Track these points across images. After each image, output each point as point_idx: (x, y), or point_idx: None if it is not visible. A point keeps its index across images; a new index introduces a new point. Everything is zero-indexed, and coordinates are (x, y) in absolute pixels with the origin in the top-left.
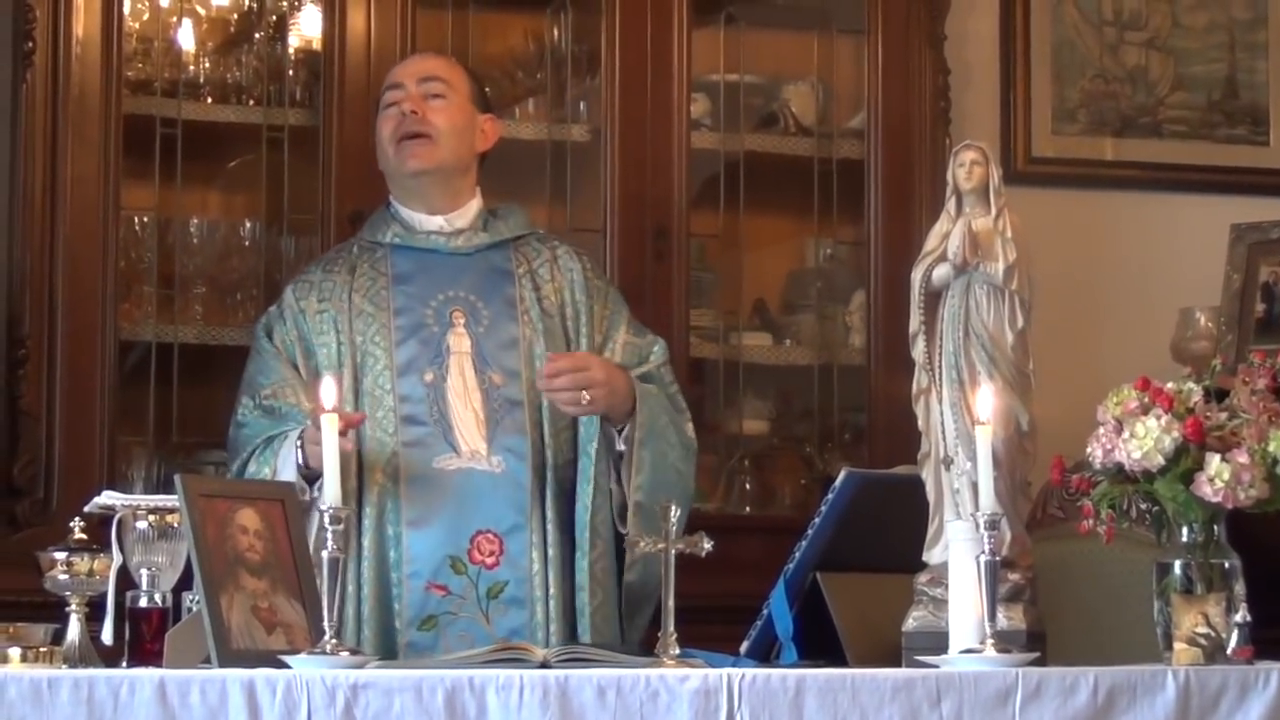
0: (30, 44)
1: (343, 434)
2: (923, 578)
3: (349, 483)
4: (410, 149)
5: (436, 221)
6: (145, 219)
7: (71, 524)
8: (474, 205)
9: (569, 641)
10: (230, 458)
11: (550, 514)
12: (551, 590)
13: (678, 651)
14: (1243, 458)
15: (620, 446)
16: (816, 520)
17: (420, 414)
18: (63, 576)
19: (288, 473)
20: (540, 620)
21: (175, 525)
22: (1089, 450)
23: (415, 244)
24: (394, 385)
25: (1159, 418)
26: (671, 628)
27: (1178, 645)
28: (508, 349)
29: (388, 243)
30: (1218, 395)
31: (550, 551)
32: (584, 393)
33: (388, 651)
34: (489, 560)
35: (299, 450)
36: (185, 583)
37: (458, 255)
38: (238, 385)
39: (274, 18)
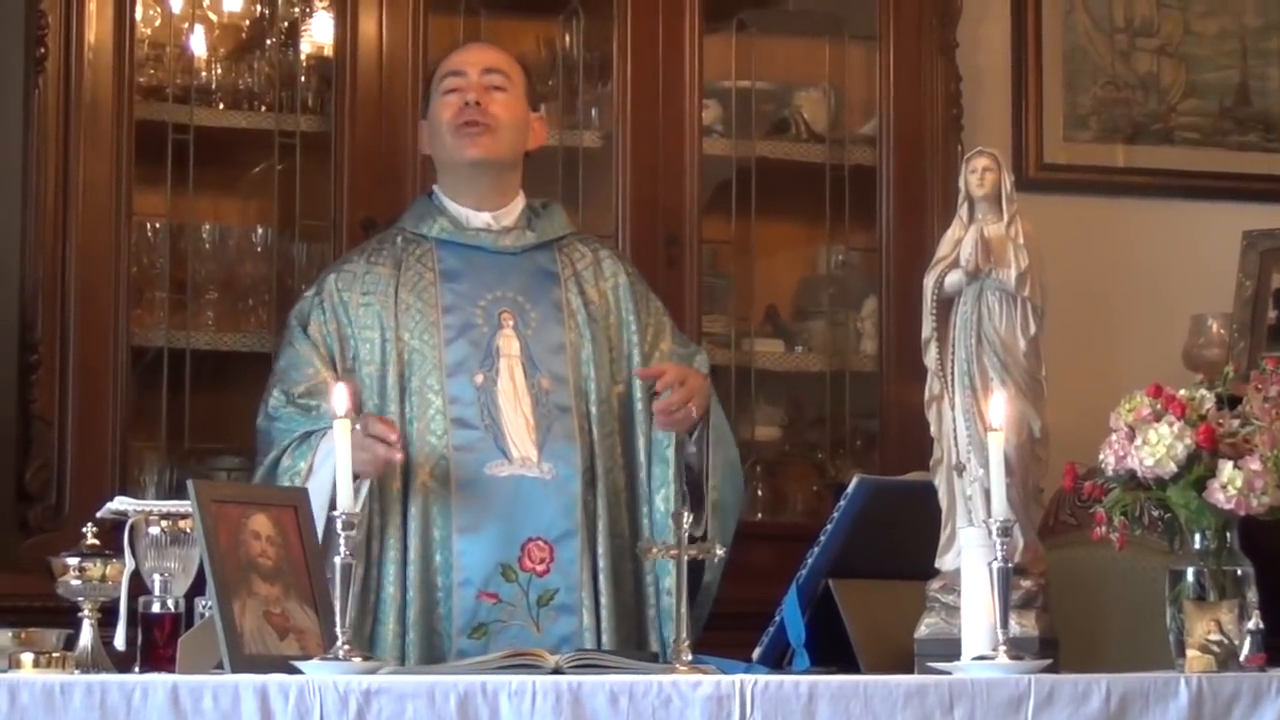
0: (42, 50)
1: (393, 444)
2: (935, 584)
3: (392, 485)
4: (471, 137)
5: (484, 218)
6: (157, 225)
7: (84, 529)
8: (519, 202)
9: (626, 647)
10: (260, 448)
11: (601, 522)
12: (603, 598)
13: (690, 658)
14: (1255, 465)
15: (691, 447)
16: (829, 527)
17: (471, 417)
18: (75, 582)
19: (326, 471)
20: (590, 626)
21: (188, 531)
22: (1101, 457)
23: (463, 240)
24: (443, 386)
25: (1171, 424)
26: (685, 634)
27: (1190, 652)
28: (555, 353)
29: (434, 237)
30: (1230, 402)
31: (601, 560)
32: (690, 405)
33: (433, 658)
34: (540, 568)
35: None
36: (198, 588)
37: (505, 254)
38: (250, 390)
39: (286, 24)
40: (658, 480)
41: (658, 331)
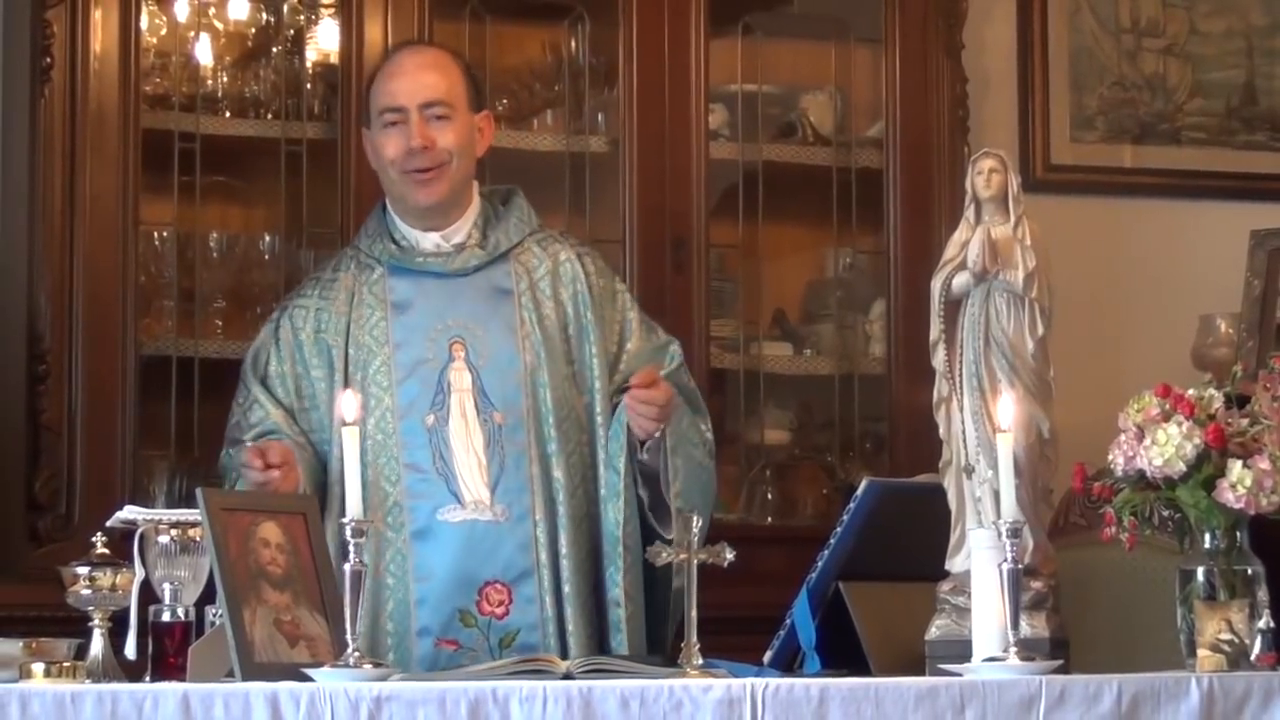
0: (48, 60)
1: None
2: (945, 586)
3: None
4: (422, 185)
5: (433, 239)
6: (164, 234)
7: (94, 539)
8: (472, 211)
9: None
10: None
11: (566, 550)
12: (571, 627)
13: (701, 662)
14: (1264, 464)
15: (642, 455)
16: (838, 530)
17: (422, 461)
18: (85, 591)
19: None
20: None
21: (197, 539)
22: (1110, 457)
23: (412, 266)
24: (397, 429)
25: (1180, 424)
26: (695, 638)
27: (1201, 652)
28: (509, 381)
29: (384, 262)
30: (1239, 401)
31: (566, 589)
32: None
33: None
34: (499, 610)
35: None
36: (208, 597)
37: (456, 276)
38: None
39: (291, 32)
40: (609, 490)
41: (624, 329)
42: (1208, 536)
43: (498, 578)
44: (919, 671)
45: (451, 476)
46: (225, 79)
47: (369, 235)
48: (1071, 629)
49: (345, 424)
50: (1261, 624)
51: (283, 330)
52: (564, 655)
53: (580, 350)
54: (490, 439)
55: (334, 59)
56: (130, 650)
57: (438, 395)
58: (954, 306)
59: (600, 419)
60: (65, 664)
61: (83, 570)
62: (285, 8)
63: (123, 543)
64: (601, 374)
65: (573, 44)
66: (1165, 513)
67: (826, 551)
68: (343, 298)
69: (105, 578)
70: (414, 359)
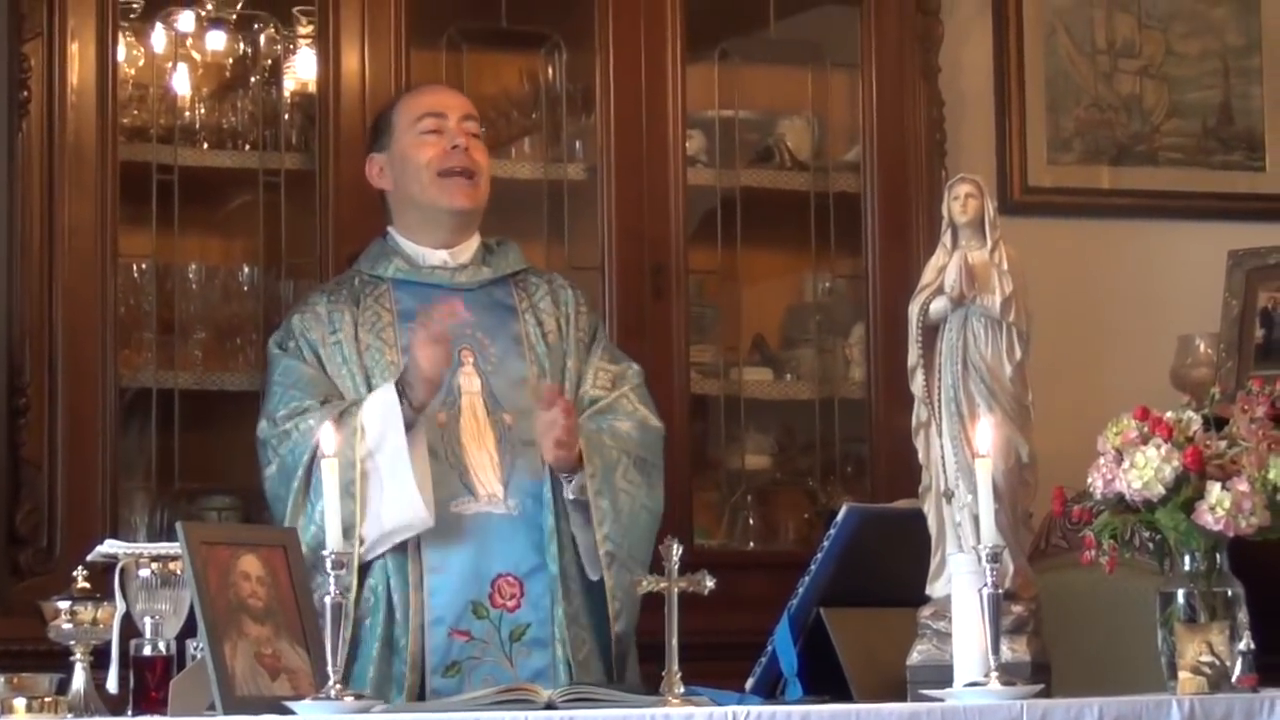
0: (25, 93)
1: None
2: (926, 611)
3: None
4: (460, 187)
5: (440, 256)
6: (143, 265)
7: (75, 573)
8: (475, 240)
9: (598, 678)
10: (266, 457)
11: (570, 553)
12: (572, 629)
13: (683, 689)
14: (1243, 486)
15: (570, 495)
16: (819, 556)
17: (436, 455)
18: (67, 625)
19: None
20: (563, 658)
21: (178, 573)
22: (1089, 481)
23: (419, 279)
24: None
25: (1159, 447)
26: (676, 665)
27: (1182, 674)
28: (517, 387)
29: (390, 277)
30: (1217, 423)
31: (573, 586)
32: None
33: (389, 695)
34: (510, 603)
35: (401, 399)
36: (189, 630)
37: (461, 290)
38: (239, 429)
39: (269, 62)
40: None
41: (592, 349)
42: (1187, 559)
43: (510, 570)
44: (900, 697)
45: (464, 470)
46: (203, 110)
47: (370, 259)
48: (1052, 652)
49: (324, 456)
50: (1242, 646)
51: (295, 333)
52: (569, 648)
53: (577, 366)
54: (501, 437)
55: (311, 89)
56: (112, 684)
57: (448, 397)
58: (932, 332)
59: None
60: (47, 699)
61: (64, 604)
62: (262, 38)
63: (104, 576)
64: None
65: (550, 72)
66: (1145, 535)
67: (807, 578)
68: (349, 302)
69: (86, 612)
70: None
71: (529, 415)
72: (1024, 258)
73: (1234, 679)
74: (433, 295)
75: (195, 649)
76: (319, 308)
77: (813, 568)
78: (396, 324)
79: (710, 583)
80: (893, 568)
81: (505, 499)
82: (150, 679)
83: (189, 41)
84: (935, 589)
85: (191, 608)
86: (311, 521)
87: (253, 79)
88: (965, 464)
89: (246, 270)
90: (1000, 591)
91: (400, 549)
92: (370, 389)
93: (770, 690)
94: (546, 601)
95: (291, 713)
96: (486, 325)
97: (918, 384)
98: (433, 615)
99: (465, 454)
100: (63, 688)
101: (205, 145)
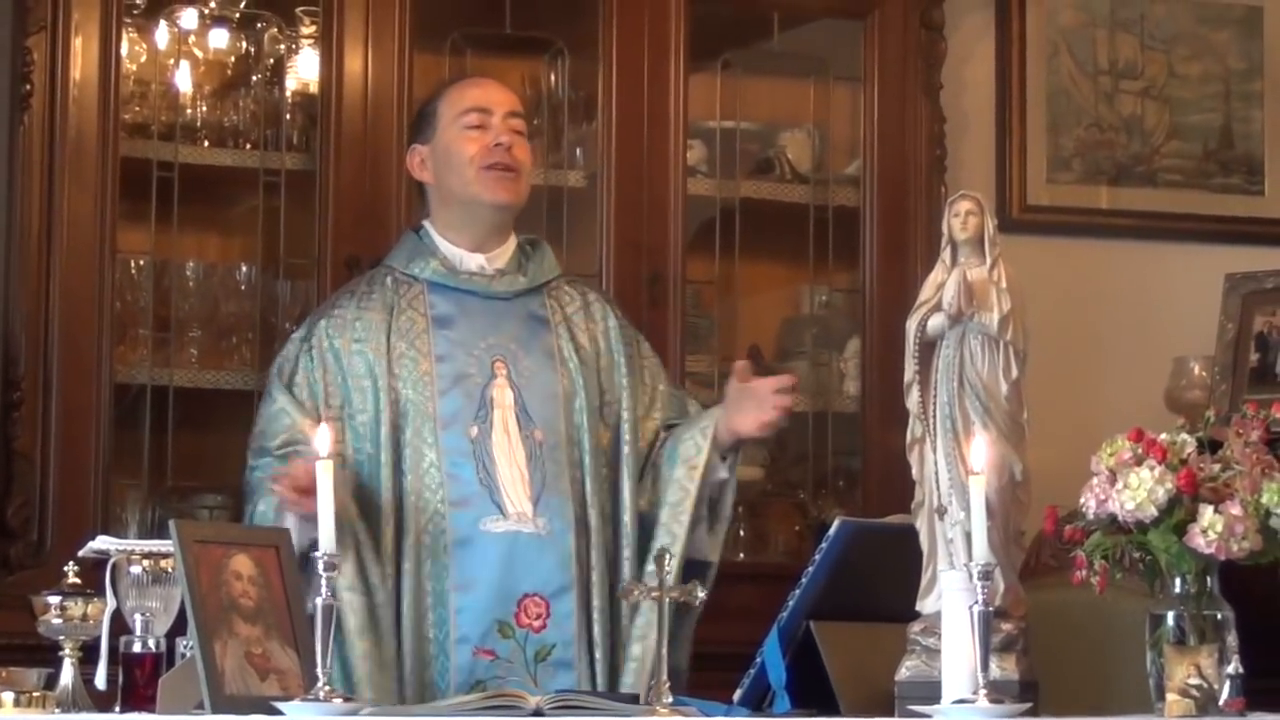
0: (28, 87)
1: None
2: (916, 627)
3: (386, 540)
4: (503, 181)
5: (477, 260)
6: (141, 262)
7: (65, 568)
8: (511, 242)
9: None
10: (245, 502)
11: (595, 574)
12: (598, 651)
13: (671, 700)
14: (1236, 509)
15: (724, 474)
16: (810, 569)
17: (465, 472)
18: (56, 621)
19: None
20: (587, 680)
21: (169, 570)
22: (1082, 501)
23: (456, 284)
24: (438, 439)
25: (1152, 469)
26: (665, 676)
27: (1170, 696)
28: (549, 403)
29: (425, 279)
30: (1211, 446)
31: (596, 613)
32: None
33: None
34: (536, 623)
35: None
36: (179, 628)
37: (497, 299)
38: (232, 428)
39: (271, 61)
40: (663, 525)
41: (654, 373)
42: (1178, 581)
43: (537, 590)
44: (888, 712)
45: (495, 488)
46: (204, 108)
47: (405, 255)
48: (1041, 671)
49: (320, 458)
50: (1230, 669)
51: (316, 338)
52: (591, 668)
53: (611, 382)
54: (531, 455)
55: (313, 89)
56: (100, 681)
57: (480, 409)
58: (928, 348)
59: (627, 449)
60: (35, 694)
61: (54, 599)
62: (265, 37)
63: (95, 571)
64: (631, 407)
65: (552, 78)
66: (1136, 556)
67: (797, 591)
68: (381, 308)
69: (76, 607)
70: (457, 372)
71: (558, 432)
72: (1020, 276)
73: (1221, 702)
74: (467, 302)
75: (185, 647)
76: (348, 313)
77: (803, 580)
78: (431, 330)
79: (702, 594)
80: (883, 583)
81: (535, 518)
82: (139, 676)
83: (192, 39)
84: (926, 605)
85: (182, 605)
86: None
87: (255, 78)
88: (959, 481)
89: (244, 269)
90: (991, 609)
91: (416, 568)
92: (395, 401)
93: (758, 703)
94: (572, 622)
95: (279, 713)
96: (521, 337)
97: (913, 400)
98: (458, 633)
99: (496, 470)
100: (51, 683)
101: (206, 143)
